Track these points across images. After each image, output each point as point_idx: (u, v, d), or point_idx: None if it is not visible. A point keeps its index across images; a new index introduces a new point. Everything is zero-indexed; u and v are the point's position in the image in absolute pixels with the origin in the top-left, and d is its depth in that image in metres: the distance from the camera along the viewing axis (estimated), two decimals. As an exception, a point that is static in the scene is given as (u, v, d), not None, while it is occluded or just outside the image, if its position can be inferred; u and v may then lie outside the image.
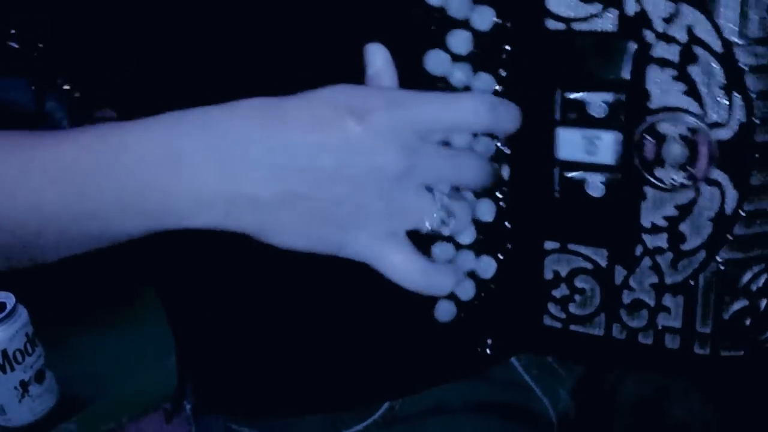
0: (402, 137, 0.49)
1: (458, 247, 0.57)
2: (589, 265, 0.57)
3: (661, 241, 0.54)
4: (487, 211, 0.57)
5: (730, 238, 0.53)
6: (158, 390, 0.96)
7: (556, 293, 0.59)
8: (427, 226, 0.50)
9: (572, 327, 0.60)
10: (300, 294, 0.60)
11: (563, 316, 0.60)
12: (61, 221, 0.48)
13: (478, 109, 0.51)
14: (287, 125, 0.47)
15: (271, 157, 0.47)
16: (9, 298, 0.99)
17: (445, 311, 0.58)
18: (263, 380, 0.64)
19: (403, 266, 0.50)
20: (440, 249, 0.56)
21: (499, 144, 0.55)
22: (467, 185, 0.52)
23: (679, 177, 0.52)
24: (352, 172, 0.47)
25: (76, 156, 0.47)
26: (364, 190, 0.48)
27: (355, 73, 0.51)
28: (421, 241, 0.55)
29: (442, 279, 0.52)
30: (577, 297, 0.59)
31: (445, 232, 0.51)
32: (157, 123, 0.48)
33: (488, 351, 0.61)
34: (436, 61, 0.51)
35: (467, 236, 0.56)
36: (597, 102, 0.52)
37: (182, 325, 0.68)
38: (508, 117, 0.52)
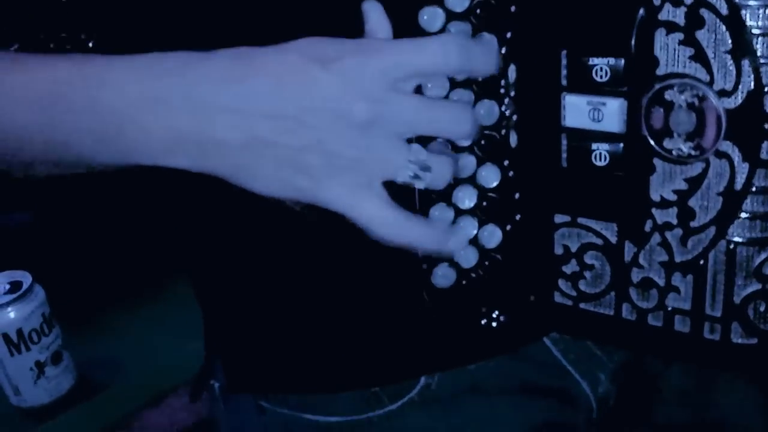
0: (368, 84, 0.48)
1: (459, 212, 0.56)
2: (599, 241, 0.56)
3: (671, 216, 0.52)
4: (490, 177, 0.55)
5: (741, 214, 0.50)
6: (177, 374, 0.95)
7: (566, 269, 0.58)
8: (400, 177, 0.49)
9: (582, 305, 0.58)
10: (334, 269, 0.60)
11: (573, 293, 0.58)
12: (36, 146, 0.50)
13: (449, 51, 0.49)
14: (254, 73, 0.48)
15: (238, 103, 0.48)
16: (26, 277, 0.98)
17: (442, 276, 0.57)
18: (296, 357, 0.63)
19: (376, 216, 0.50)
20: (439, 211, 0.55)
21: (504, 109, 0.54)
22: (447, 136, 0.51)
23: (688, 148, 0.50)
24: (317, 119, 0.48)
25: (54, 85, 0.49)
26: (330, 137, 0.48)
27: (355, 34, 0.52)
28: (422, 204, 0.55)
29: (420, 231, 0.51)
30: (587, 274, 0.57)
31: (419, 185, 0.50)
32: (137, 62, 0.50)
33: (494, 324, 0.60)
34: (431, 17, 0.51)
35: (466, 200, 0.55)
36: (603, 67, 0.51)
37: (212, 303, 0.68)
38: (481, 58, 0.50)
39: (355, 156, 0.48)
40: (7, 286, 0.98)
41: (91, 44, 0.55)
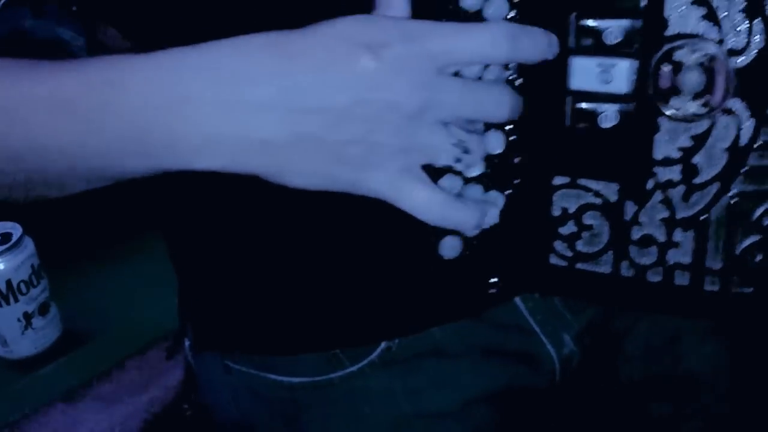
0: (418, 72, 0.47)
1: (466, 180, 0.55)
2: (598, 201, 0.57)
3: (674, 173, 0.54)
4: (496, 144, 0.55)
5: (745, 169, 0.52)
6: (160, 328, 0.95)
7: (563, 230, 0.58)
8: (442, 161, 0.49)
9: (579, 265, 0.59)
10: (297, 231, 0.59)
11: (570, 254, 0.59)
12: (62, 157, 0.47)
13: (497, 40, 0.49)
14: (298, 64, 0.46)
15: (282, 98, 0.45)
16: (16, 229, 0.98)
17: (449, 247, 0.57)
18: (260, 318, 0.63)
19: (422, 202, 0.49)
20: (448, 182, 0.55)
21: (509, 73, 0.54)
22: (488, 119, 0.51)
23: (695, 106, 0.51)
24: (367, 110, 0.46)
25: (77, 92, 0.46)
26: (378, 128, 0.46)
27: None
28: (431, 174, 0.54)
29: (463, 213, 0.52)
30: (584, 234, 0.58)
31: (459, 167, 0.50)
32: (161, 62, 0.46)
33: (493, 290, 0.60)
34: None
35: (475, 169, 0.55)
36: (613, 29, 0.51)
37: (183, 263, 0.67)
38: (530, 46, 0.50)
39: (400, 144, 0.47)
40: None
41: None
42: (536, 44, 0.50)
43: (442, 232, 0.56)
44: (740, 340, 0.69)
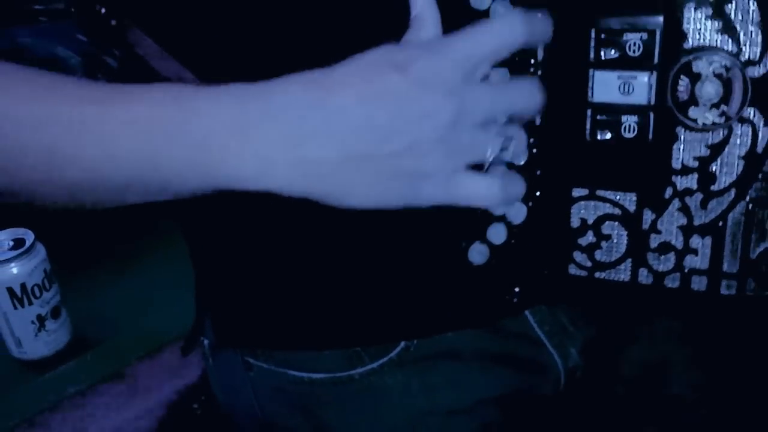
0: (446, 80, 0.50)
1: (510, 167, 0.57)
2: (617, 211, 0.58)
3: (691, 182, 0.56)
4: (519, 156, 0.57)
5: (761, 176, 0.54)
6: (169, 332, 0.97)
7: (582, 241, 0.60)
8: (488, 157, 0.51)
9: (598, 274, 0.61)
10: (323, 229, 0.61)
11: (589, 264, 0.60)
12: (130, 173, 0.49)
13: (515, 27, 0.51)
14: (338, 91, 0.49)
15: (328, 122, 0.49)
16: (28, 235, 1.01)
17: (478, 254, 0.58)
18: (283, 314, 0.65)
19: (484, 189, 0.52)
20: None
21: None
22: (522, 113, 0.53)
23: (712, 116, 0.54)
24: (406, 122, 0.49)
25: (150, 113, 0.48)
26: (421, 138, 0.49)
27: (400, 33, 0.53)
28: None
29: (517, 184, 0.54)
30: (603, 244, 0.60)
31: (506, 158, 0.52)
32: (225, 91, 0.50)
33: (515, 299, 0.62)
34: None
35: (523, 157, 0.57)
36: (633, 42, 0.54)
37: (204, 260, 0.69)
38: (541, 25, 0.53)
39: (445, 151, 0.50)
40: (11, 243, 1.00)
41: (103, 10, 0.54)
42: (543, 23, 0.53)
43: (471, 237, 0.58)
44: (727, 372, 0.72)
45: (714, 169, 0.55)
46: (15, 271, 0.99)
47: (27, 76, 0.50)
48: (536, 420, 0.73)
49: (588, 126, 0.57)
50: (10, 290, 0.99)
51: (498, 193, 0.52)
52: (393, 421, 0.66)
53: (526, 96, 0.52)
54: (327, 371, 0.66)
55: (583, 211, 0.59)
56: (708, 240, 0.57)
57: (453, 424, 0.67)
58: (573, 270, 0.61)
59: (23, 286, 0.99)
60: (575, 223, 0.60)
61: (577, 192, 0.59)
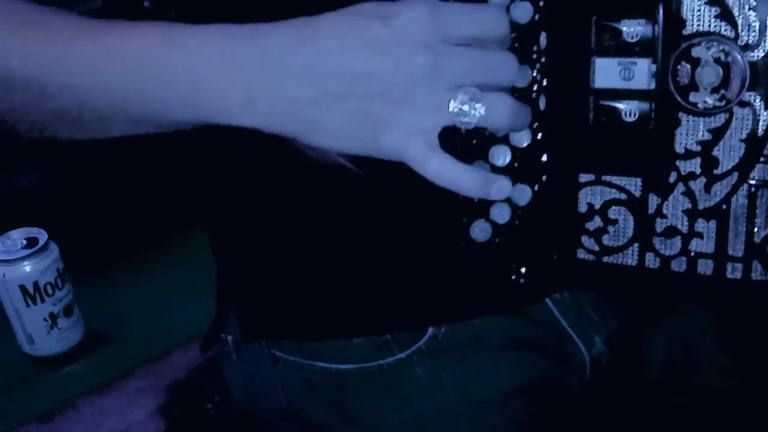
0: (425, 37, 0.52)
1: (495, 169, 0.59)
2: (623, 196, 0.59)
3: (695, 166, 0.57)
4: (521, 137, 0.58)
5: (762, 159, 0.55)
6: (180, 332, 0.99)
7: (590, 226, 0.61)
8: (460, 121, 0.52)
9: (605, 259, 0.62)
10: (347, 216, 0.63)
11: (597, 248, 0.61)
12: (116, 103, 0.53)
13: (502, 23, 0.54)
14: (320, 35, 0.52)
15: (309, 62, 0.52)
16: (41, 234, 1.03)
17: (480, 231, 0.60)
18: (309, 303, 0.67)
19: (431, 162, 0.53)
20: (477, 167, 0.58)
21: (536, 74, 0.57)
22: (498, 82, 0.54)
23: (713, 100, 0.54)
24: (382, 69, 0.51)
25: (139, 47, 0.52)
26: (394, 87, 0.51)
27: None
28: (462, 160, 0.57)
29: (469, 176, 0.55)
30: (610, 228, 0.61)
31: (481, 124, 0.53)
32: (213, 30, 0.53)
33: (522, 280, 0.63)
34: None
35: (501, 158, 0.58)
36: (633, 29, 0.55)
37: (228, 255, 0.71)
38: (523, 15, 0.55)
39: (415, 103, 0.52)
40: (24, 242, 1.03)
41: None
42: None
43: (473, 215, 0.59)
44: (755, 358, 0.72)
45: (716, 153, 0.56)
46: (28, 269, 1.01)
47: (19, 7, 0.53)
48: (564, 410, 0.73)
49: (591, 111, 0.58)
50: (23, 288, 1.01)
51: (444, 172, 0.53)
52: (422, 412, 0.67)
53: (503, 63, 0.54)
54: (355, 362, 0.66)
55: (590, 196, 0.60)
56: (713, 224, 0.58)
57: (483, 414, 0.67)
58: (581, 254, 0.62)
59: (36, 284, 1.01)
60: (582, 207, 0.61)
61: (583, 177, 0.60)
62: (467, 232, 0.60)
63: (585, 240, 0.62)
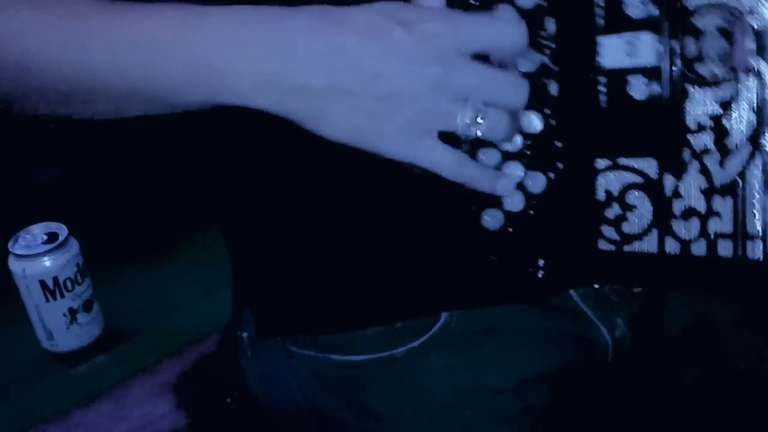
0: (442, 49, 0.54)
1: (506, 155, 0.59)
2: (639, 179, 0.59)
3: (707, 140, 0.56)
4: (533, 123, 0.59)
5: (774, 127, 0.54)
6: (198, 328, 0.99)
7: (609, 213, 0.61)
8: (458, 128, 0.54)
9: (626, 248, 0.61)
10: (356, 204, 0.65)
11: (617, 237, 0.61)
12: (132, 83, 0.55)
13: (520, 36, 0.56)
14: (340, 29, 0.54)
15: (326, 54, 0.53)
16: (62, 230, 1.04)
17: (491, 218, 0.60)
18: (323, 296, 0.67)
19: (437, 160, 0.55)
20: (485, 155, 0.59)
21: (546, 60, 0.59)
22: (504, 105, 0.56)
23: (720, 70, 0.54)
24: (394, 74, 0.53)
25: (155, 27, 0.54)
26: (404, 91, 0.53)
27: None
28: (472, 145, 0.59)
29: (473, 172, 0.57)
30: (629, 215, 0.60)
31: (478, 133, 0.55)
32: (232, 11, 0.55)
33: (540, 273, 0.62)
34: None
35: (512, 143, 0.59)
36: (635, 5, 0.56)
37: (242, 253, 0.72)
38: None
39: (422, 109, 0.54)
40: (44, 237, 1.03)
41: None
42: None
43: (482, 203, 0.59)
44: None
45: (727, 125, 0.55)
46: (48, 264, 1.01)
47: None
48: (583, 396, 0.72)
49: (601, 93, 0.58)
50: (42, 283, 1.01)
51: (451, 166, 0.55)
52: (437, 401, 0.67)
53: (512, 89, 0.56)
54: (368, 352, 0.67)
55: (607, 183, 0.60)
56: (729, 201, 0.56)
57: (499, 403, 0.67)
58: (602, 245, 0.61)
59: (55, 279, 1.01)
60: (600, 195, 0.61)
61: (600, 163, 0.60)
62: (478, 220, 0.60)
63: (605, 229, 0.61)
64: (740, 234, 0.56)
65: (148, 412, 1.04)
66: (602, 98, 0.58)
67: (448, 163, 0.56)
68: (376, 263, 0.66)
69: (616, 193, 0.60)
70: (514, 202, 0.60)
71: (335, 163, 0.63)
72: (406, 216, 0.64)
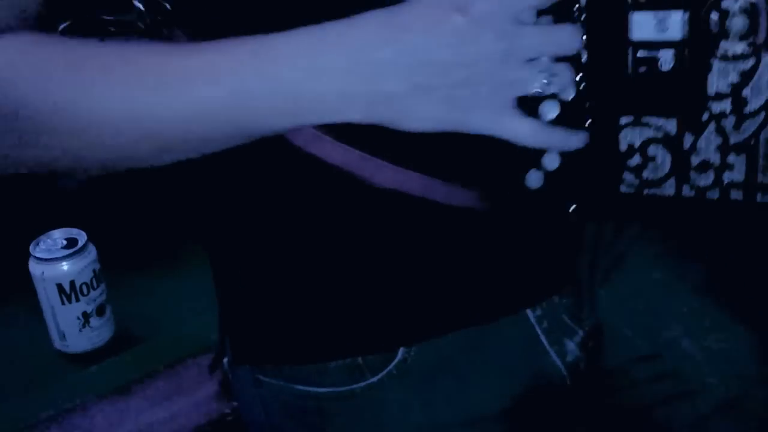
0: (500, 21, 0.56)
1: (563, 105, 0.64)
2: (660, 135, 0.65)
3: (726, 106, 0.62)
4: (567, 91, 0.64)
5: (788, 97, 0.60)
6: (208, 335, 0.98)
7: (630, 162, 0.67)
8: (535, 90, 0.57)
9: (646, 191, 0.68)
10: (320, 244, 0.66)
11: (637, 182, 0.68)
12: (216, 123, 0.56)
13: None
14: (407, 29, 0.56)
15: (399, 57, 0.55)
16: (81, 235, 1.07)
17: (534, 179, 0.66)
18: (288, 330, 0.70)
19: (521, 130, 0.58)
20: (547, 107, 0.63)
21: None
22: (564, 53, 0.59)
23: (742, 47, 0.60)
24: (465, 58, 0.55)
25: (228, 64, 0.55)
26: (476, 72, 0.56)
27: None
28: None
29: (555, 135, 0.60)
30: (649, 164, 0.67)
31: (551, 90, 0.58)
32: (298, 37, 0.56)
33: (574, 216, 0.70)
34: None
35: (551, 112, 0.64)
36: (666, -15, 0.60)
37: (223, 283, 0.74)
38: None
39: (497, 84, 0.56)
40: (64, 242, 1.06)
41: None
42: None
43: (527, 166, 0.65)
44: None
45: (746, 94, 0.61)
46: (66, 268, 1.04)
47: (102, 51, 0.55)
48: (551, 422, 0.75)
49: (629, 62, 0.63)
50: (60, 286, 1.04)
51: (535, 135, 0.59)
52: None
53: (568, 39, 0.58)
54: (330, 385, 0.69)
55: (630, 136, 0.66)
56: (743, 156, 0.64)
57: None
58: (623, 188, 0.68)
59: (72, 283, 1.04)
60: (623, 147, 0.67)
61: (624, 120, 0.66)
62: (522, 181, 0.65)
63: (626, 176, 0.68)
64: (751, 184, 0.64)
65: (154, 416, 1.06)
66: (630, 67, 0.63)
67: (527, 131, 0.59)
68: (338, 299, 0.67)
69: (637, 145, 0.66)
70: (552, 162, 0.66)
71: (304, 202, 0.65)
72: (369, 251, 0.66)
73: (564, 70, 0.58)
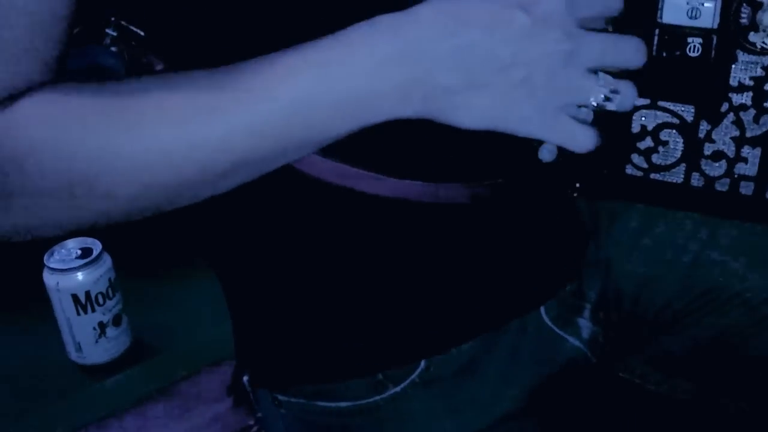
0: (564, 23, 0.53)
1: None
2: (675, 120, 0.64)
3: (746, 98, 0.61)
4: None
5: (810, 96, 0.60)
6: (226, 347, 0.95)
7: (641, 145, 0.66)
8: (592, 102, 0.55)
9: (653, 175, 0.67)
10: (330, 262, 0.65)
11: (645, 165, 0.67)
12: (279, 136, 0.53)
13: None
14: (468, 25, 0.53)
15: (458, 53, 0.52)
16: (96, 245, 1.04)
17: (548, 153, 0.65)
18: (305, 352, 0.69)
19: (574, 136, 0.55)
20: None
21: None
22: (627, 66, 0.56)
23: (770, 41, 0.59)
24: (526, 58, 0.53)
25: (286, 78, 0.52)
26: (537, 72, 0.53)
27: None
28: None
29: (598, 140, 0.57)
30: (660, 149, 0.66)
31: (610, 107, 0.55)
32: (352, 39, 0.53)
33: (576, 194, 0.69)
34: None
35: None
36: (702, -29, 0.58)
37: (236, 308, 0.72)
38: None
39: (556, 87, 0.53)
40: (79, 252, 1.03)
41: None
42: None
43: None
44: None
45: (767, 89, 0.61)
46: (80, 278, 1.01)
47: (136, 88, 0.52)
48: (583, 403, 0.74)
49: (655, 43, 0.62)
50: (75, 297, 1.01)
51: (590, 144, 0.56)
52: None
53: (633, 51, 0.55)
54: (354, 399, 0.67)
55: (644, 119, 0.65)
56: (758, 150, 0.63)
57: None
58: (630, 170, 0.68)
59: (87, 293, 1.01)
60: (636, 128, 0.66)
61: (639, 101, 0.65)
62: (536, 155, 0.64)
63: (635, 157, 0.67)
64: (763, 179, 0.64)
65: (173, 429, 1.04)
66: (654, 48, 0.62)
67: (579, 137, 0.56)
68: (355, 314, 0.66)
69: (650, 129, 0.66)
70: None
71: (310, 221, 0.63)
72: (381, 265, 0.65)
73: (627, 89, 0.55)
